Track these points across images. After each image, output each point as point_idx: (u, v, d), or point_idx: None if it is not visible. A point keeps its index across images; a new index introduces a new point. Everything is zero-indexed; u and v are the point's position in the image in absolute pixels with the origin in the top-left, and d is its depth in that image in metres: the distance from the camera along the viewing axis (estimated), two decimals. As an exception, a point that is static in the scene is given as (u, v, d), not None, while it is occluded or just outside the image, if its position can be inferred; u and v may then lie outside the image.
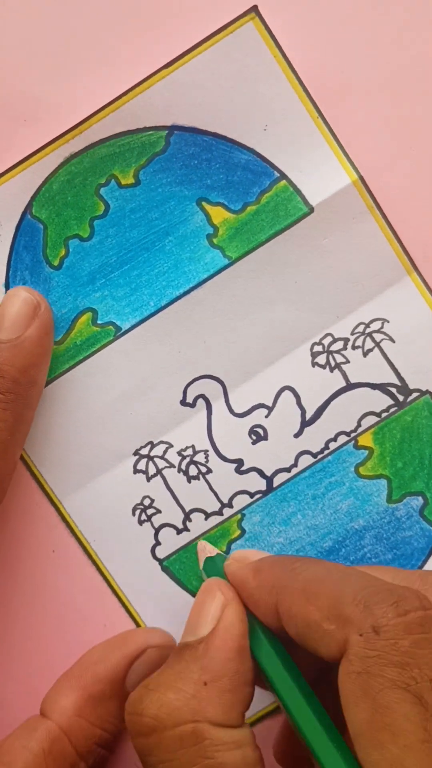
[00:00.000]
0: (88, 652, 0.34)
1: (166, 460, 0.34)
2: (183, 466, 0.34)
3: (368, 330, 0.34)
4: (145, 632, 0.34)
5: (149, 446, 0.34)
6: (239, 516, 0.35)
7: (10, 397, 0.31)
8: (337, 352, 0.34)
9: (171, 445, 0.34)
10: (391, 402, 0.34)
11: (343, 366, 0.34)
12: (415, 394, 0.34)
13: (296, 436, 0.34)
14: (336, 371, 0.34)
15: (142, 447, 0.34)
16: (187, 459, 0.34)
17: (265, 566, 0.29)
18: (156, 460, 0.34)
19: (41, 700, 0.33)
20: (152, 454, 0.34)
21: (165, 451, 0.34)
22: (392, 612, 0.26)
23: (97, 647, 0.34)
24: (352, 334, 0.34)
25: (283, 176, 0.33)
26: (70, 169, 0.33)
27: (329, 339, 0.34)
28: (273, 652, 0.29)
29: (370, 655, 0.25)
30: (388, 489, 0.35)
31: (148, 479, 0.34)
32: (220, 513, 0.34)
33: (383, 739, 0.25)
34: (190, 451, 0.34)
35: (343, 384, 0.34)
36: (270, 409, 0.34)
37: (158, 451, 0.34)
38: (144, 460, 0.34)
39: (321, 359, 0.34)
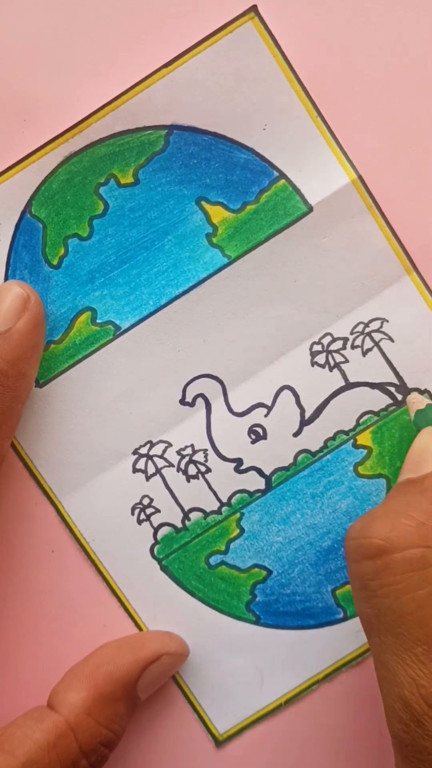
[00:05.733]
0: (101, 650, 0.33)
1: (166, 460, 0.34)
2: (182, 466, 0.34)
3: (367, 329, 0.34)
4: (161, 638, 0.34)
5: (148, 445, 0.34)
6: (238, 515, 0.35)
7: None
8: (337, 351, 0.34)
9: (170, 445, 0.34)
10: (390, 401, 0.34)
11: (342, 365, 0.34)
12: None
13: (295, 435, 0.34)
14: (335, 370, 0.34)
15: (141, 446, 0.34)
16: (186, 458, 0.34)
17: None
18: (155, 459, 0.34)
19: (38, 699, 0.33)
20: (151, 453, 0.34)
21: (164, 451, 0.34)
22: None
23: (111, 645, 0.33)
24: (352, 333, 0.34)
25: (283, 175, 0.33)
26: (70, 169, 0.33)
27: (328, 338, 0.34)
28: None
29: None
30: (387, 489, 0.35)
31: (147, 478, 0.34)
32: (219, 512, 0.34)
33: None
34: (189, 451, 0.34)
35: (342, 383, 0.34)
36: (269, 408, 0.34)
37: (157, 450, 0.34)
38: (143, 460, 0.34)
39: (320, 358, 0.34)
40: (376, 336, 0.34)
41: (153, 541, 0.35)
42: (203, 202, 0.33)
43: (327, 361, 0.34)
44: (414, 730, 0.27)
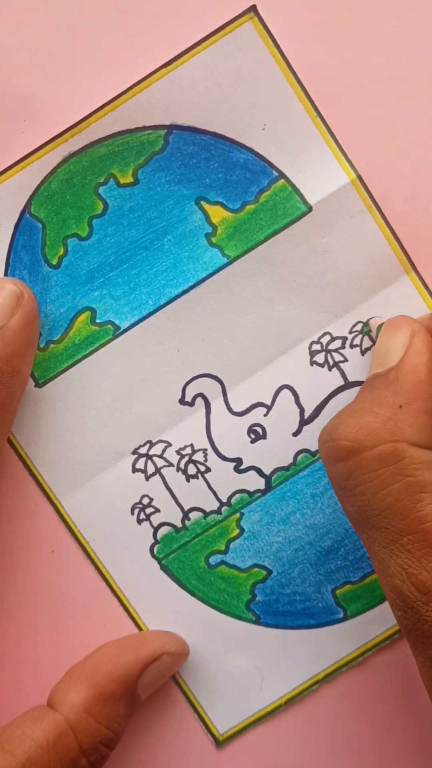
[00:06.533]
0: (101, 649, 0.33)
1: (165, 459, 0.34)
2: (182, 465, 0.34)
3: (366, 329, 0.34)
4: (161, 637, 0.34)
5: (148, 445, 0.34)
6: (238, 515, 0.34)
7: None
8: (336, 350, 0.34)
9: (170, 444, 0.34)
10: (390, 401, 0.34)
11: (341, 365, 0.34)
12: (413, 393, 0.34)
13: (295, 434, 0.34)
14: (334, 370, 0.34)
15: (140, 446, 0.34)
16: (186, 458, 0.34)
17: None
18: (155, 459, 0.34)
19: (38, 698, 0.33)
20: (151, 453, 0.34)
21: (164, 450, 0.34)
22: None
23: (111, 645, 0.33)
24: (351, 332, 0.34)
25: (282, 175, 0.33)
26: (69, 168, 0.33)
27: (327, 338, 0.34)
28: None
29: None
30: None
31: (147, 478, 0.34)
32: (218, 512, 0.34)
33: None
34: (188, 450, 0.34)
35: (342, 383, 0.34)
36: (269, 407, 0.34)
37: (157, 450, 0.34)
38: (143, 459, 0.34)
39: (319, 358, 0.34)
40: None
41: (153, 541, 0.35)
42: (202, 202, 0.33)
43: (326, 361, 0.34)
44: (411, 615, 0.27)
